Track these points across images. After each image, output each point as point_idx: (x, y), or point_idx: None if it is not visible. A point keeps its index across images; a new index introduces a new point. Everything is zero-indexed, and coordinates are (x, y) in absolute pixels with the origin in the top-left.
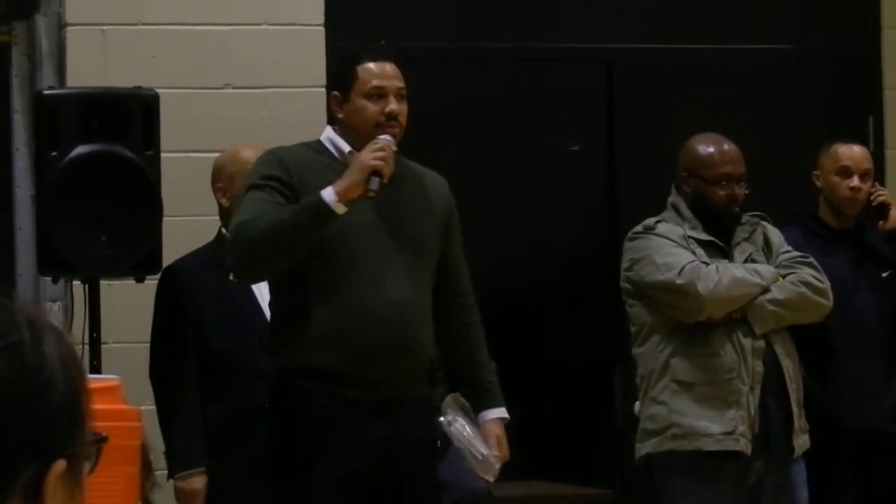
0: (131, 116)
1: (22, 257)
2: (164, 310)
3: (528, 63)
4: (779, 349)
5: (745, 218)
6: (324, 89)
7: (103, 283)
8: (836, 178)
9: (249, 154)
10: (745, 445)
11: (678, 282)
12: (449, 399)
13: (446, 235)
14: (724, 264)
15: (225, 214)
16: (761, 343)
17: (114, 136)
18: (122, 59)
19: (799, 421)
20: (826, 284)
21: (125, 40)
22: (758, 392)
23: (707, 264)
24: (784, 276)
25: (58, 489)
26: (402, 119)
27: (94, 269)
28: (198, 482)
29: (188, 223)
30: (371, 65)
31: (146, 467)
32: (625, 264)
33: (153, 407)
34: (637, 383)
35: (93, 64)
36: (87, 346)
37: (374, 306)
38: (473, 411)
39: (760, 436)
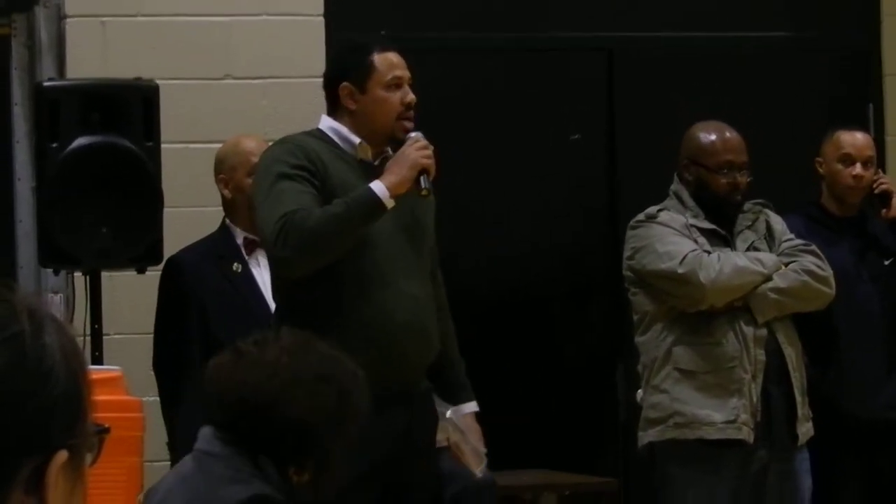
0: (131, 108)
1: (23, 249)
2: (168, 301)
3: (529, 53)
4: (781, 337)
5: (747, 206)
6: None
7: (104, 274)
8: (839, 166)
9: (251, 145)
10: (747, 434)
11: (680, 271)
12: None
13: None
14: (725, 253)
15: (228, 205)
16: (763, 331)
17: (114, 127)
18: (122, 51)
19: (802, 409)
20: (828, 272)
21: (125, 31)
22: (760, 380)
23: (709, 253)
24: (786, 265)
25: (60, 481)
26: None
27: (95, 260)
28: None
29: (189, 214)
30: (386, 55)
31: None
32: (627, 253)
33: (155, 398)
34: (639, 372)
35: (92, 55)
36: (88, 338)
37: (398, 301)
38: (447, 404)
39: (763, 424)
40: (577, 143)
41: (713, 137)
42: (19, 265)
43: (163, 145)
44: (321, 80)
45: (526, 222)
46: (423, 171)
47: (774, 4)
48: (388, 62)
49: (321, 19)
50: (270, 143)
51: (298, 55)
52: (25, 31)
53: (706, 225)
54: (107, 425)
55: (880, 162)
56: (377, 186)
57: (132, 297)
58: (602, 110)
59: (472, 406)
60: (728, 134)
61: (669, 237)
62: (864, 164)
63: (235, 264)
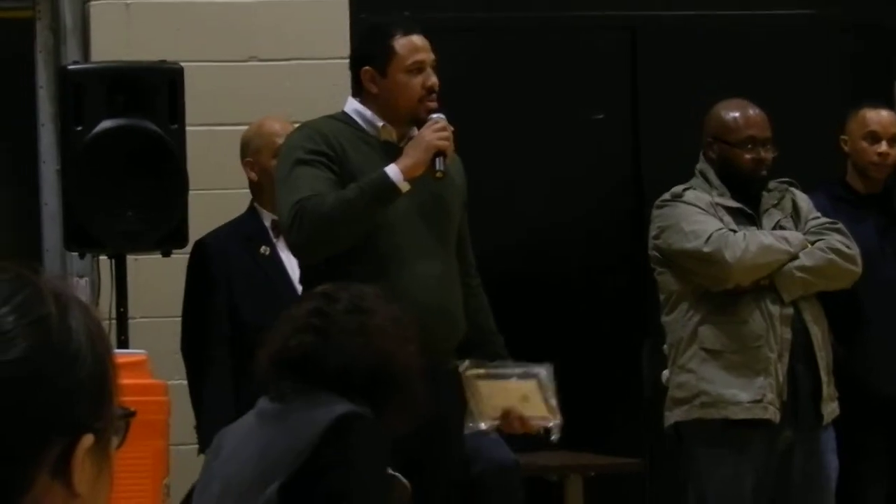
0: (156, 90)
1: (48, 233)
2: (195, 283)
3: (553, 32)
4: (807, 316)
5: (773, 184)
6: (348, 61)
7: (130, 257)
8: (864, 143)
9: (276, 127)
10: (773, 413)
11: (706, 249)
12: (462, 367)
13: (463, 210)
14: (751, 232)
15: (255, 188)
16: (790, 310)
17: (139, 110)
18: (146, 33)
19: (828, 388)
20: (855, 251)
21: (149, 14)
22: (786, 359)
23: (734, 232)
24: (812, 243)
25: (86, 463)
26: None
27: (120, 243)
28: None
29: (214, 197)
30: (408, 39)
31: None
32: (653, 232)
33: (181, 382)
34: (665, 352)
35: (117, 38)
36: (114, 321)
37: (416, 282)
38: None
39: (789, 403)
40: (601, 122)
41: (736, 114)
42: (45, 248)
43: (187, 128)
44: (345, 61)
45: (550, 202)
46: (440, 152)
47: None
48: (410, 46)
49: (345, 0)
50: (295, 125)
51: (322, 37)
52: (49, 14)
53: (732, 204)
54: (133, 409)
55: None
56: (391, 170)
57: (157, 280)
58: (626, 89)
59: (548, 367)
60: (751, 110)
61: (695, 216)
62: (890, 142)
63: (263, 247)
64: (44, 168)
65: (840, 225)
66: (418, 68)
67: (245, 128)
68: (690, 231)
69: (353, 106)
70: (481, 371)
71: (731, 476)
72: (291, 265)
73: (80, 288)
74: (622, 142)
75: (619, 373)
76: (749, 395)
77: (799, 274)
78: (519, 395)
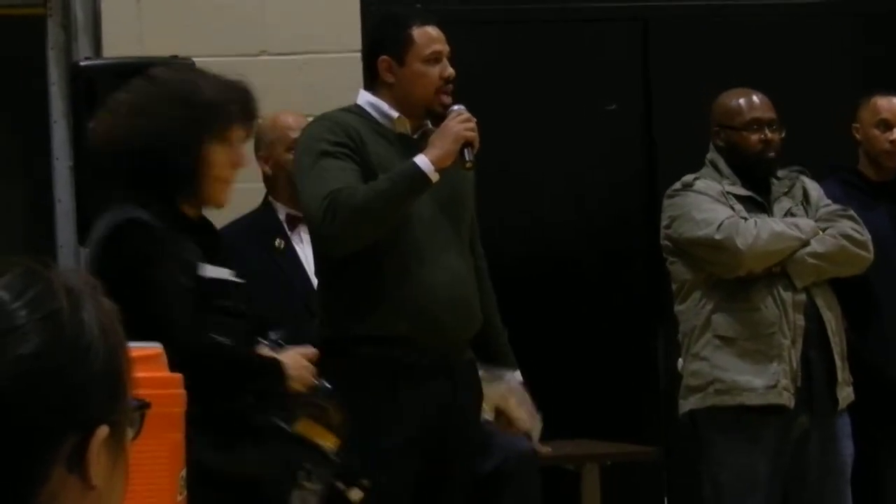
0: None
1: (62, 229)
2: None
3: (564, 23)
4: (820, 302)
5: (783, 173)
6: (359, 54)
7: None
8: (876, 131)
9: (290, 121)
10: (788, 399)
11: (717, 237)
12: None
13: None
14: (762, 219)
15: (269, 182)
16: (802, 297)
17: None
18: (158, 28)
19: (842, 374)
20: (866, 237)
21: (160, 9)
22: (800, 345)
23: (746, 219)
24: (824, 230)
25: (101, 456)
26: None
27: None
28: None
29: None
30: (425, 29)
31: None
32: (664, 222)
33: None
34: (679, 340)
35: (128, 34)
36: None
37: (438, 275)
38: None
39: (804, 389)
40: (614, 112)
41: (739, 99)
42: (59, 245)
43: None
44: (357, 54)
45: (563, 192)
46: (467, 143)
47: None
48: (428, 36)
49: None
50: (309, 119)
51: (333, 30)
52: (61, 10)
53: (743, 192)
54: (147, 401)
55: None
56: (421, 160)
57: None
58: (638, 80)
59: (517, 376)
60: (754, 95)
61: (706, 205)
62: None
63: (278, 240)
64: (57, 164)
65: (851, 211)
66: (436, 58)
67: (258, 123)
68: (701, 219)
69: (366, 98)
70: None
71: (746, 463)
72: (306, 258)
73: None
74: (635, 132)
75: (635, 362)
76: (763, 381)
77: (811, 260)
78: (500, 397)
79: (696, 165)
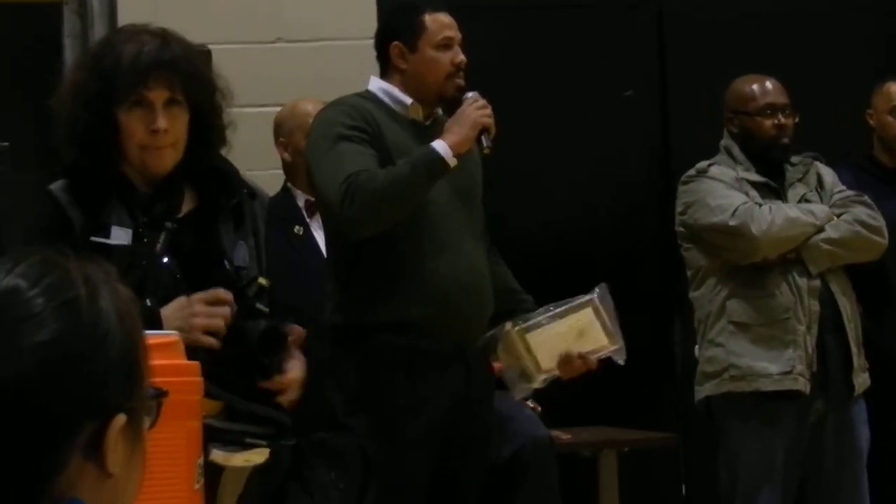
0: None
1: None
2: None
3: (580, 10)
4: (835, 288)
5: (797, 159)
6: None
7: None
8: (889, 118)
9: (309, 108)
10: (803, 385)
11: (731, 223)
12: (507, 327)
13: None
14: (777, 205)
15: (288, 169)
16: (817, 282)
17: None
18: (173, 16)
19: (858, 360)
20: (881, 222)
21: None
22: (815, 331)
23: (760, 205)
24: (838, 215)
25: (118, 444)
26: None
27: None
28: None
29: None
30: (436, 15)
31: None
32: (679, 208)
33: None
34: (695, 327)
35: (144, 21)
36: None
37: (455, 262)
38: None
39: (819, 375)
40: (631, 99)
41: (753, 85)
42: None
43: None
44: (372, 41)
45: (580, 179)
46: (484, 129)
47: None
48: (440, 22)
49: None
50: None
51: (349, 17)
52: None
53: (757, 178)
54: (165, 389)
55: None
56: (440, 146)
57: None
58: (654, 67)
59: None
60: (767, 80)
61: (720, 191)
62: None
63: (297, 227)
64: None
65: (865, 197)
66: (447, 44)
67: (273, 109)
68: (716, 205)
69: (378, 85)
70: (528, 324)
71: (762, 449)
72: (325, 245)
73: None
74: (651, 119)
75: (651, 348)
76: (779, 367)
77: (826, 246)
78: (574, 332)
79: (712, 151)
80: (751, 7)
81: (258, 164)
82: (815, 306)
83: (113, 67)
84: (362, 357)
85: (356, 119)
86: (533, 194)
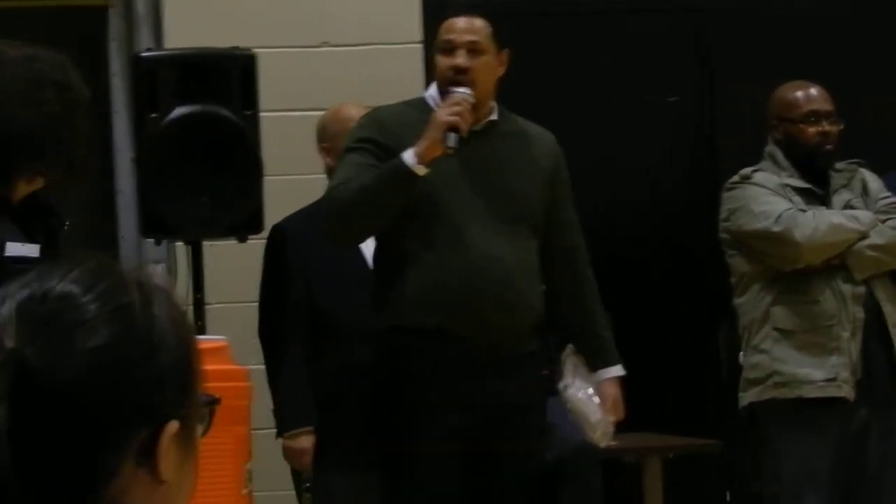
0: (229, 77)
1: (124, 220)
2: (273, 268)
3: (624, 15)
4: (880, 295)
5: (842, 165)
6: (420, 45)
7: (205, 243)
8: None
9: (353, 112)
10: (847, 392)
11: (775, 229)
12: (566, 354)
13: (552, 191)
14: (820, 211)
15: (331, 174)
16: (861, 289)
17: (212, 96)
18: (219, 20)
19: None
20: None
21: (222, 0)
22: (859, 338)
23: (804, 211)
24: (883, 221)
25: (171, 451)
26: (476, 73)
27: (196, 230)
28: (306, 441)
29: (289, 182)
30: (452, 19)
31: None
32: (723, 214)
33: (257, 367)
34: (740, 333)
35: (189, 25)
36: (190, 308)
37: (468, 263)
38: (588, 367)
39: (864, 382)
40: (676, 104)
41: (797, 92)
42: (121, 236)
43: (260, 114)
44: (417, 45)
45: (626, 185)
46: (452, 128)
47: None
48: (444, 26)
49: None
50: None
51: (394, 21)
52: (123, 2)
53: (801, 184)
54: (217, 396)
55: None
56: (407, 154)
57: (233, 265)
58: (700, 72)
59: (611, 371)
60: (811, 87)
61: (764, 197)
62: None
63: None
64: (118, 156)
65: None
66: (446, 48)
67: (318, 113)
68: (760, 212)
69: (430, 90)
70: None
71: (806, 455)
72: (369, 249)
73: (159, 275)
74: (697, 124)
75: (698, 355)
76: (823, 373)
77: (870, 252)
78: (578, 400)
79: (758, 157)
80: (796, 12)
81: (304, 168)
82: (860, 313)
83: None
84: (381, 362)
85: (368, 129)
86: (577, 201)
